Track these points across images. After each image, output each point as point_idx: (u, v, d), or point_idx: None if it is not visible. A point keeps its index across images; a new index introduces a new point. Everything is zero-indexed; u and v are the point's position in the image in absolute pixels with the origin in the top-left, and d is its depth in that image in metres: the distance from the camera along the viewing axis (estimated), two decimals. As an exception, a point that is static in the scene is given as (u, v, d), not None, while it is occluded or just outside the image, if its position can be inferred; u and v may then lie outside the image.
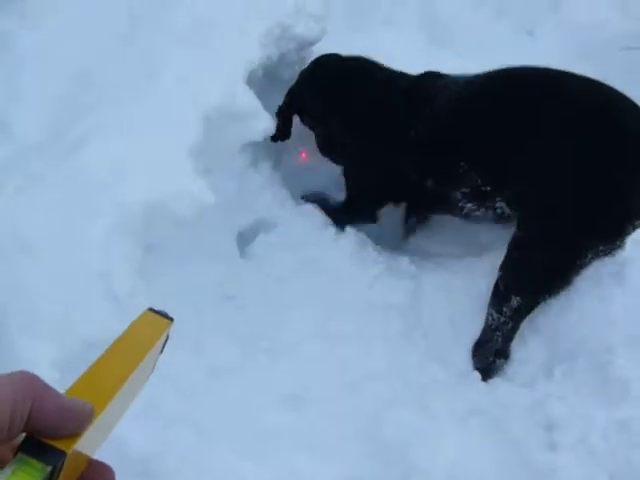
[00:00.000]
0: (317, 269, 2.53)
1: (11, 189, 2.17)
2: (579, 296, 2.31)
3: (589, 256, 2.25)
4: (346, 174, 2.85)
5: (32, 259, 2.01)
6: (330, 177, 2.94)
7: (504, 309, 2.31)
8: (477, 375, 2.34)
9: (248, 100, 2.48)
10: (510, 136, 2.34)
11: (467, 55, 3.49)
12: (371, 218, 2.82)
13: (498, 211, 2.43)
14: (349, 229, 2.69)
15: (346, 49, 2.92)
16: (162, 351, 1.07)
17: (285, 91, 2.86)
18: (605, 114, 2.23)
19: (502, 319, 2.32)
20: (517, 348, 2.39)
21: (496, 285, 2.35)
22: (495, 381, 2.33)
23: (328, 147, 2.87)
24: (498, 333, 2.34)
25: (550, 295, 2.32)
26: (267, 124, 2.55)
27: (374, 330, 2.40)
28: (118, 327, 1.95)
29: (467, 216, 2.56)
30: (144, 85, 2.38)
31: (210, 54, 2.49)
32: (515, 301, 2.29)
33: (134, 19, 2.66)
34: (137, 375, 0.97)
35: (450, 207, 2.58)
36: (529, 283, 2.32)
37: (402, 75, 2.73)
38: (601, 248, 2.25)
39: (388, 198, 2.78)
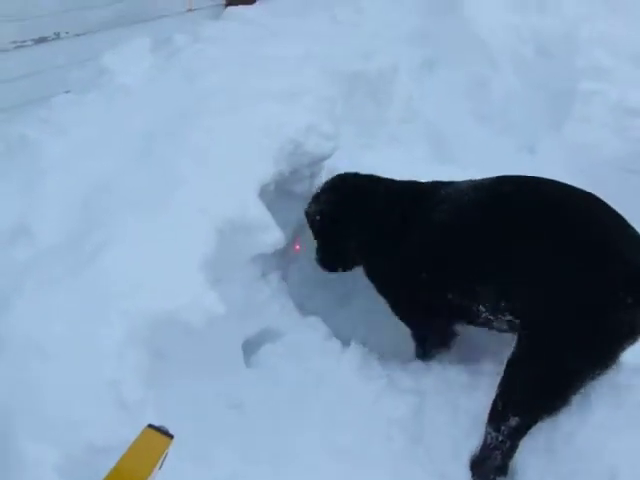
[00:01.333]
0: (321, 381, 2.56)
1: (28, 292, 2.24)
2: (583, 419, 2.34)
3: (587, 379, 2.27)
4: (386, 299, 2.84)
5: (43, 363, 2.05)
6: (334, 292, 3.01)
7: (502, 428, 2.31)
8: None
9: (259, 214, 2.59)
10: (512, 251, 2.34)
11: (471, 171, 3.61)
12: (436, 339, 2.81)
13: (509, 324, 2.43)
14: (354, 343, 2.73)
15: (355, 165, 3.04)
16: (161, 467, 1.10)
17: (296, 205, 2.96)
18: (603, 243, 2.24)
19: (501, 438, 2.32)
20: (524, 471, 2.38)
21: (494, 403, 2.35)
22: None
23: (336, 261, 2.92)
24: (497, 452, 2.34)
25: (549, 415, 2.32)
26: (277, 237, 2.64)
27: (377, 445, 2.40)
28: (124, 434, 1.97)
29: (487, 325, 2.55)
30: (160, 197, 2.49)
31: (224, 169, 2.62)
32: (513, 421, 2.29)
33: (152, 134, 2.81)
34: None
35: (470, 314, 2.54)
36: (527, 404, 2.31)
37: (414, 185, 2.81)
38: (597, 372, 2.27)
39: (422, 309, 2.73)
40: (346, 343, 2.75)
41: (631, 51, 3.92)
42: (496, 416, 2.34)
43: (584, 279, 2.20)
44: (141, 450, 1.07)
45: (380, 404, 2.52)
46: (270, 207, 2.68)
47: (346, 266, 2.91)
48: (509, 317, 2.39)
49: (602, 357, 2.26)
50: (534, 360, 2.28)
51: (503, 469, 2.37)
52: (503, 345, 2.49)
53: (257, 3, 4.70)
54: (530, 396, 2.30)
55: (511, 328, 2.43)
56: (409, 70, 3.80)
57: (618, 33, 3.98)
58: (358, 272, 2.90)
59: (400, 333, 2.87)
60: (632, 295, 2.14)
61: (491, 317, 2.45)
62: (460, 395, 2.53)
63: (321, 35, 3.64)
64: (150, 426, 1.09)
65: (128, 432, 1.97)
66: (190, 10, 4.62)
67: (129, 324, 2.13)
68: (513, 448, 2.35)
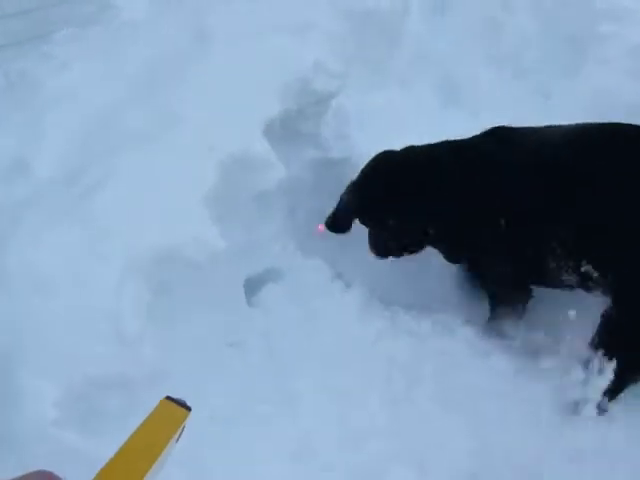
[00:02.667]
0: (322, 321, 2.54)
1: (27, 226, 2.22)
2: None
3: None
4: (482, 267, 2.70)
5: (42, 296, 2.05)
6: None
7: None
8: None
9: (264, 151, 2.54)
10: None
11: (482, 116, 3.53)
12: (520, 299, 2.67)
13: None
14: (356, 283, 2.70)
15: (363, 105, 2.97)
16: (178, 440, 1.08)
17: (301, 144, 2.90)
18: None
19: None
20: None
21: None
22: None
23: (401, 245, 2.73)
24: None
25: None
26: (281, 175, 2.60)
27: (375, 386, 2.40)
28: (123, 368, 1.95)
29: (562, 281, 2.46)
30: (163, 133, 2.45)
31: (229, 105, 2.56)
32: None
33: (156, 70, 2.75)
34: (154, 469, 0.99)
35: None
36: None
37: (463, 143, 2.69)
38: None
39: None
40: (349, 285, 2.72)
41: (654, -9, 3.78)
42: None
43: None
44: (157, 422, 1.04)
45: (380, 345, 2.52)
46: (275, 146, 2.63)
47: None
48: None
49: None
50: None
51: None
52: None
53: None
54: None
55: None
56: (421, 9, 3.68)
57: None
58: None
59: (403, 276, 2.84)
60: None
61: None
62: (460, 339, 2.52)
63: (332, -31, 3.51)
64: (168, 398, 1.07)
65: (126, 366, 1.99)
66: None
67: (129, 258, 2.11)
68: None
